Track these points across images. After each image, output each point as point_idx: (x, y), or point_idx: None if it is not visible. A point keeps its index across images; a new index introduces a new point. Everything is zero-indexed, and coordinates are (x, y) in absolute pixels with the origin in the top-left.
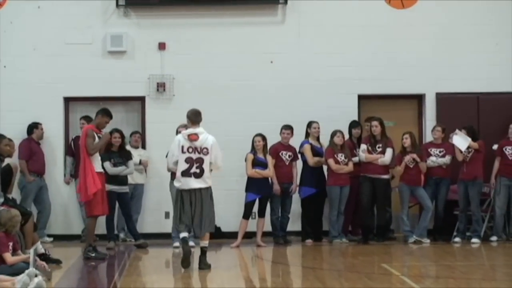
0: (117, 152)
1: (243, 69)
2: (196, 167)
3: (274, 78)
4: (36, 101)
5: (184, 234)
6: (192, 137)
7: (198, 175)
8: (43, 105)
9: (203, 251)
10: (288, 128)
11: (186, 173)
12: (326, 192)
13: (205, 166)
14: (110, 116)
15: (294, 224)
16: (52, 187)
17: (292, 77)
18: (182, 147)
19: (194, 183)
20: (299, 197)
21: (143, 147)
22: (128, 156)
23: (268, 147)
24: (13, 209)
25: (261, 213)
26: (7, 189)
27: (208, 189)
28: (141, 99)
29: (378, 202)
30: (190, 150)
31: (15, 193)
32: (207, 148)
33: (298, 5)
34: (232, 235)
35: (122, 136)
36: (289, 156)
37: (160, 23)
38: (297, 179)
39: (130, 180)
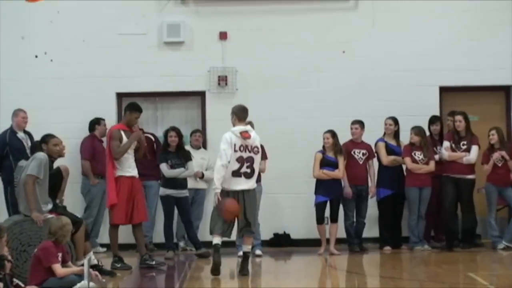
0: (174, 153)
1: (312, 60)
2: (247, 167)
3: (346, 70)
4: (86, 97)
5: (217, 241)
6: (245, 135)
7: (249, 175)
8: (94, 101)
9: (246, 256)
10: (356, 123)
11: (236, 173)
12: (404, 194)
13: (256, 166)
14: (139, 110)
15: (371, 230)
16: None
17: (366, 68)
18: (235, 145)
19: (244, 184)
20: (376, 199)
21: (204, 147)
22: (187, 156)
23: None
24: (63, 216)
25: (333, 218)
26: (56, 195)
27: (255, 190)
28: (201, 94)
29: (463, 204)
30: (242, 148)
31: (76, 199)
32: (257, 147)
33: None
34: (302, 243)
35: (179, 135)
36: (362, 154)
37: (221, 11)
38: (374, 180)
39: (191, 184)
